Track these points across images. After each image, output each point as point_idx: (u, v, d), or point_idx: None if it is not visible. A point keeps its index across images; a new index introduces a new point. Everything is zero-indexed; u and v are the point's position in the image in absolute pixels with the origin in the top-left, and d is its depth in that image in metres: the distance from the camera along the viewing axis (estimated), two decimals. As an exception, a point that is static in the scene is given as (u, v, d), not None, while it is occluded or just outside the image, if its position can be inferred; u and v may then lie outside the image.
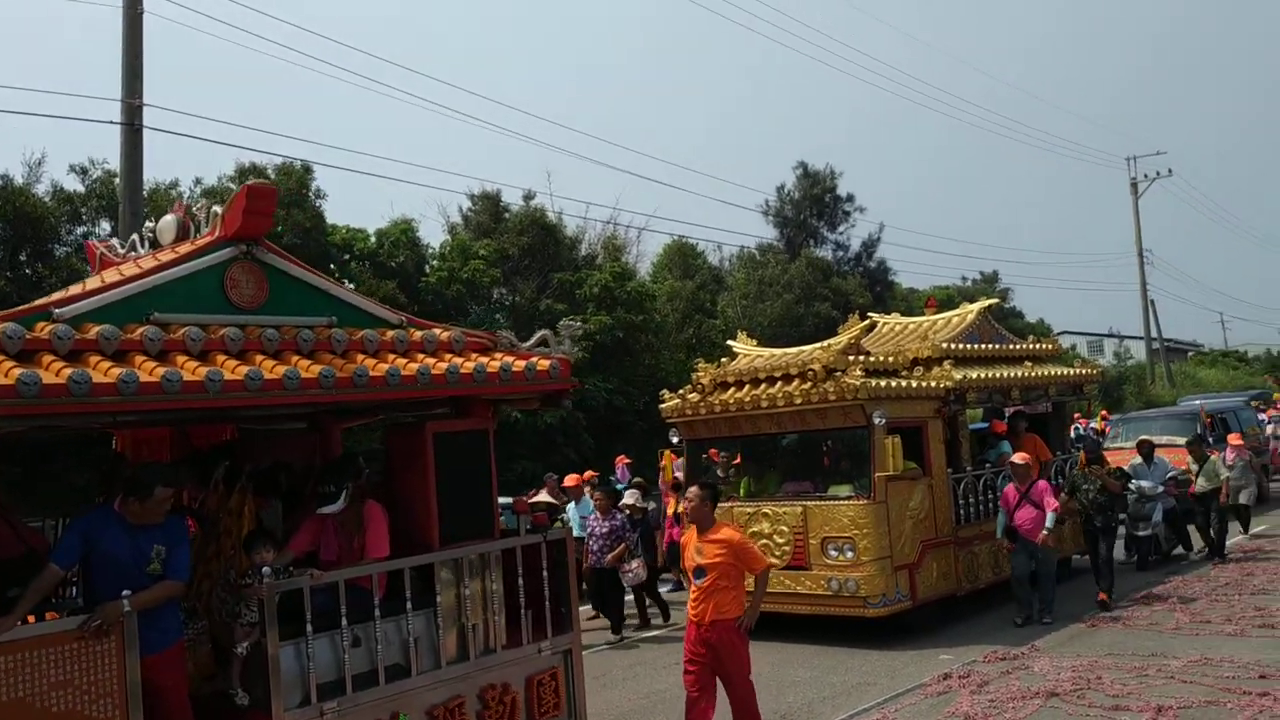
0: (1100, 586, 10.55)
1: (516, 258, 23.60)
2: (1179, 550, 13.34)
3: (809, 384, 9.90)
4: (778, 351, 11.51)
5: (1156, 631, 9.28)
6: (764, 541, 10.04)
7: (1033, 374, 12.16)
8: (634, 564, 10.76)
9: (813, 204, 34.80)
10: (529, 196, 25.11)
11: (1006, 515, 10.30)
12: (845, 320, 11.30)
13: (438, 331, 5.75)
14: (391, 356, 5.36)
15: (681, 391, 11.18)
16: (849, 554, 9.54)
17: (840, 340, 10.52)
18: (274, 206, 5.30)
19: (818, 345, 10.82)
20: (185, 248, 5.28)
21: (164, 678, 4.61)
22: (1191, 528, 13.30)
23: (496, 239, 23.74)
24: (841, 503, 9.78)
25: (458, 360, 5.50)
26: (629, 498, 11.42)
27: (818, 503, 9.95)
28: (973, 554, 10.67)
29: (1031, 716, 7.00)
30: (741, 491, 11.20)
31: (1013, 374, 11.78)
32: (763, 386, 10.34)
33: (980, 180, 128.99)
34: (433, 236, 24.77)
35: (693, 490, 6.33)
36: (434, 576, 5.44)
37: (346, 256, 21.36)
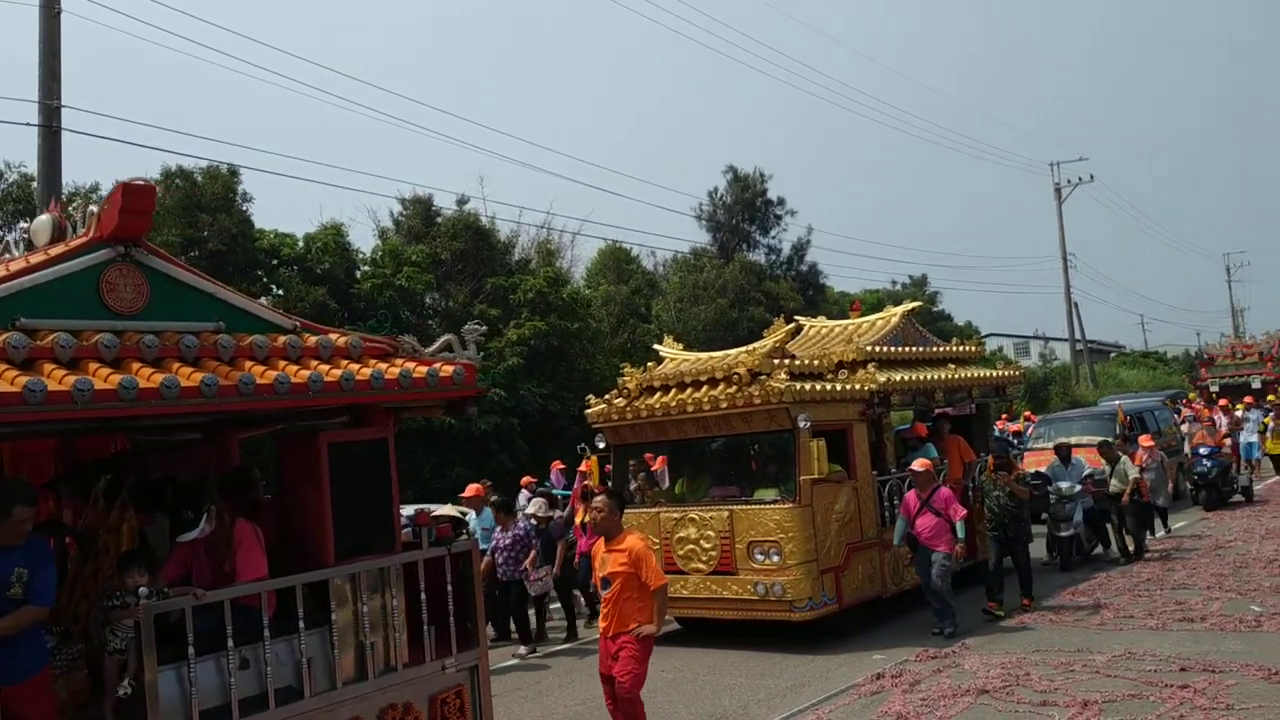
0: (991, 596, 10.42)
1: (449, 263, 23.23)
2: (1099, 550, 13.56)
3: (734, 388, 9.83)
4: (704, 356, 11.43)
5: (1082, 628, 9.40)
6: (691, 546, 9.94)
7: (956, 376, 12.24)
8: (541, 572, 10.55)
9: (744, 208, 34.75)
10: (462, 201, 24.76)
11: (906, 522, 10.07)
12: (778, 324, 11.22)
13: (334, 337, 5.50)
14: (282, 363, 5.09)
15: (607, 396, 11.03)
16: (775, 558, 9.47)
17: (766, 344, 10.47)
18: (153, 205, 5.00)
19: (743, 349, 10.75)
20: (59, 249, 4.96)
21: (28, 709, 4.30)
22: (1110, 527, 13.54)
23: (429, 244, 23.35)
24: (767, 507, 9.71)
25: (353, 367, 5.26)
26: (532, 507, 11.18)
27: (744, 507, 9.86)
28: (898, 556, 10.66)
29: (962, 714, 7.04)
30: (678, 493, 11.10)
31: (936, 376, 11.84)
32: (689, 391, 10.24)
33: (908, 185, 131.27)
34: (363, 241, 24.28)
35: (599, 500, 6.19)
36: (329, 593, 5.19)
37: (275, 261, 20.83)
